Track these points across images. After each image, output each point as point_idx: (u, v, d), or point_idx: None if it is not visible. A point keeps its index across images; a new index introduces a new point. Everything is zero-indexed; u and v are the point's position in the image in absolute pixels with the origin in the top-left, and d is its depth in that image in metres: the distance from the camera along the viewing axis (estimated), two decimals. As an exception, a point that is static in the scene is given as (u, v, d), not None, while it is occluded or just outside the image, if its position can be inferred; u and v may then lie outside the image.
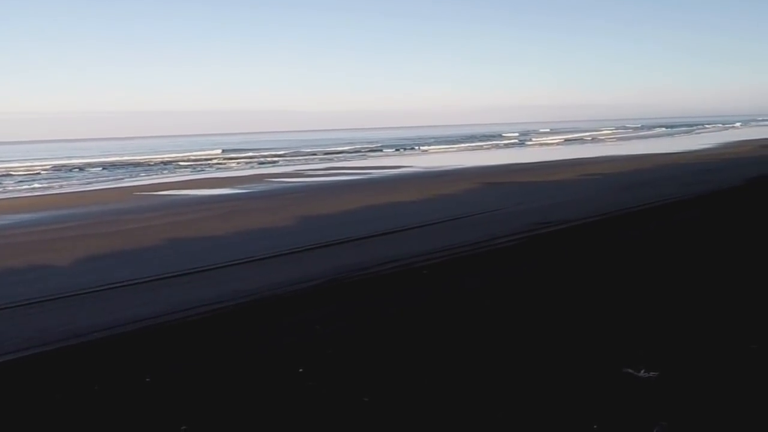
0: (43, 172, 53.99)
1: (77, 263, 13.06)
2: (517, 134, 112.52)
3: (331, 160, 57.98)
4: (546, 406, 5.24)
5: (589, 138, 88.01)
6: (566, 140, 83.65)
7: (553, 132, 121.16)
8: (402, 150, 73.15)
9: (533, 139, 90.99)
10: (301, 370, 6.43)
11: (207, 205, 23.43)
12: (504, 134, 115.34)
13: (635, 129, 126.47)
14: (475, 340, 7.01)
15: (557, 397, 5.41)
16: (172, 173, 47.89)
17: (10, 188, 39.46)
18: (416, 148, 76.69)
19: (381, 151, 72.68)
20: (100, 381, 6.57)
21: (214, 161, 62.70)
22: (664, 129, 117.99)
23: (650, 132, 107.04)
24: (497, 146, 76.53)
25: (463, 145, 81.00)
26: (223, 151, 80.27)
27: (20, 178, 47.39)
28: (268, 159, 62.31)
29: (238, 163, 59.03)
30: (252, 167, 50.80)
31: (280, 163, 55.91)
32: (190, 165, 58.02)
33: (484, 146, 76.71)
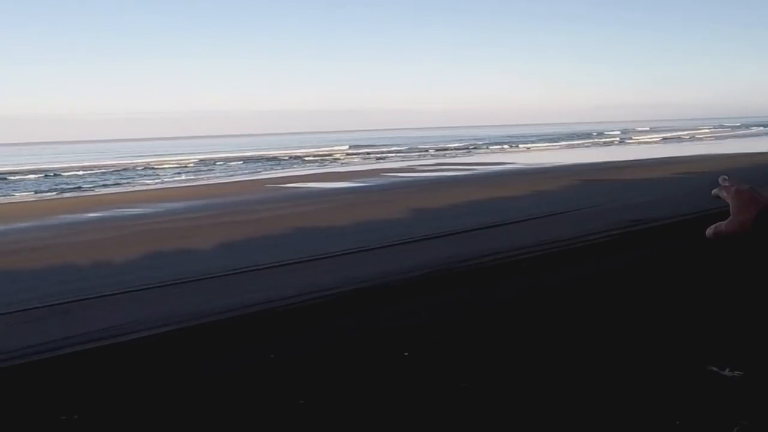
0: (190, 165, 56.11)
1: (215, 248, 13.50)
2: (618, 132, 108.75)
3: (441, 156, 57.88)
4: (630, 400, 5.08)
5: (687, 137, 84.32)
6: (664, 139, 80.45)
7: (652, 131, 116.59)
8: (506, 147, 72.21)
9: (632, 138, 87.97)
10: (406, 353, 6.45)
11: (329, 197, 23.82)
12: (606, 132, 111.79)
13: (733, 128, 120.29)
14: (569, 332, 6.86)
15: (643, 391, 5.23)
16: (301, 167, 48.94)
17: (166, 179, 41.28)
18: (519, 145, 75.56)
19: (487, 147, 71.95)
20: (230, 356, 6.79)
21: (339, 156, 63.59)
22: (762, 128, 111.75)
23: (748, 131, 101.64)
24: (596, 144, 74.56)
25: (564, 143, 79.24)
26: (350, 146, 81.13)
27: (172, 171, 49.42)
28: (386, 155, 62.72)
29: (359, 158, 59.68)
30: (371, 162, 51.24)
31: (396, 158, 56.15)
32: (317, 160, 59.09)
33: (585, 144, 74.88)
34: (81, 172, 49.94)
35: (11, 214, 22.58)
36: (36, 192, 35.65)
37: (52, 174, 49.11)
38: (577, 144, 75.00)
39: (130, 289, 9.96)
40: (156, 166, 55.00)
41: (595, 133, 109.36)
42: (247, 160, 61.35)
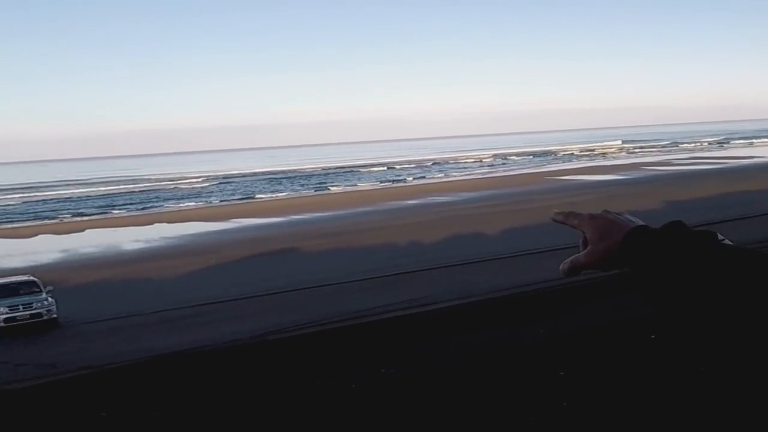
0: (487, 159, 56.37)
1: (500, 233, 13.49)
2: None
3: (697, 150, 51.83)
4: None
5: None
6: None
7: None
8: (757, 141, 61.84)
9: None
10: (653, 336, 6.07)
11: (594, 188, 22.73)
12: None
13: None
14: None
15: None
16: (576, 161, 47.05)
17: (468, 172, 42.15)
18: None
19: (738, 141, 62.57)
20: (506, 329, 6.86)
21: (607, 151, 59.59)
22: None
23: None
24: None
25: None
26: (623, 141, 75.15)
27: (474, 165, 50.12)
28: (648, 149, 57.54)
29: (625, 152, 55.58)
30: (634, 156, 47.55)
31: (657, 152, 51.44)
32: (588, 154, 56.22)
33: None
34: (411, 166, 52.84)
35: (357, 200, 24.80)
36: (380, 182, 38.65)
37: (394, 167, 52.60)
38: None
39: (435, 266, 10.46)
40: (461, 161, 56.28)
41: None
42: (534, 155, 60.11)
